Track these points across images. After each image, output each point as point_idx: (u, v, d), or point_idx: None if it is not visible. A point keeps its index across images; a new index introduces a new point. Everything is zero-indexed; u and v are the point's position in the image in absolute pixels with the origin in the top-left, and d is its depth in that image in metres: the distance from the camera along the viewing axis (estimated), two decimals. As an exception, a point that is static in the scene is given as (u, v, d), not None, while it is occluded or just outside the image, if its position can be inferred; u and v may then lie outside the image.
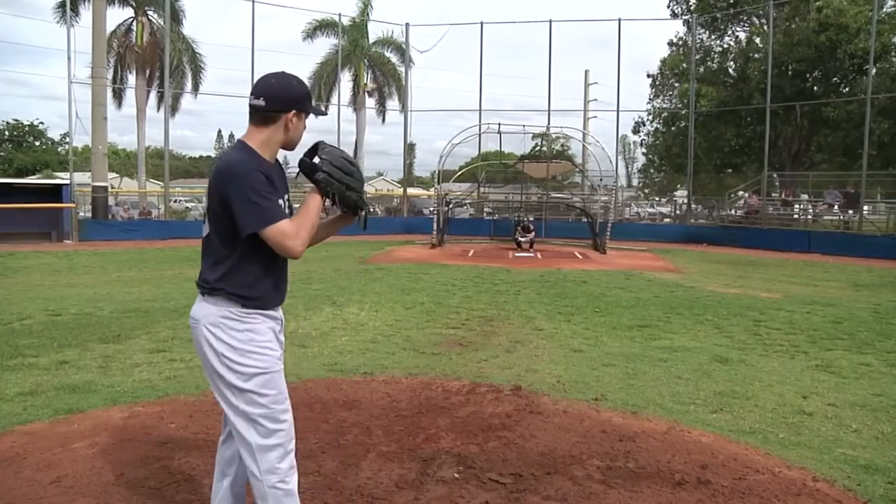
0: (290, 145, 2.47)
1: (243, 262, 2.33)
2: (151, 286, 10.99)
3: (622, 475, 3.46)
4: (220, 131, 75.71)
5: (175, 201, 31.16)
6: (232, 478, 2.57)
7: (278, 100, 2.35)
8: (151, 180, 35.97)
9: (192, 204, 34.26)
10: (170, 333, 6.94)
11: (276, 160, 2.45)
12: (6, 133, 49.10)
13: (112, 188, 27.94)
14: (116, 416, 4.31)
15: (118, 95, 31.64)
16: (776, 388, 5.23)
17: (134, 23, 30.58)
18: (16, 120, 49.17)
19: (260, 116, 2.36)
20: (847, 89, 27.61)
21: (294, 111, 2.38)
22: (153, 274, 12.98)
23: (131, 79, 31.56)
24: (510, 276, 12.85)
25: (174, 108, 31.52)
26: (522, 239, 20.08)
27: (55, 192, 22.39)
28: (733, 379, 5.46)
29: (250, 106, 2.36)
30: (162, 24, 29.08)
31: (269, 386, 2.38)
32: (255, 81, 2.43)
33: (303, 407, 4.48)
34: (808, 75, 28.16)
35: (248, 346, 2.33)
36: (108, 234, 22.43)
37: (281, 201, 2.33)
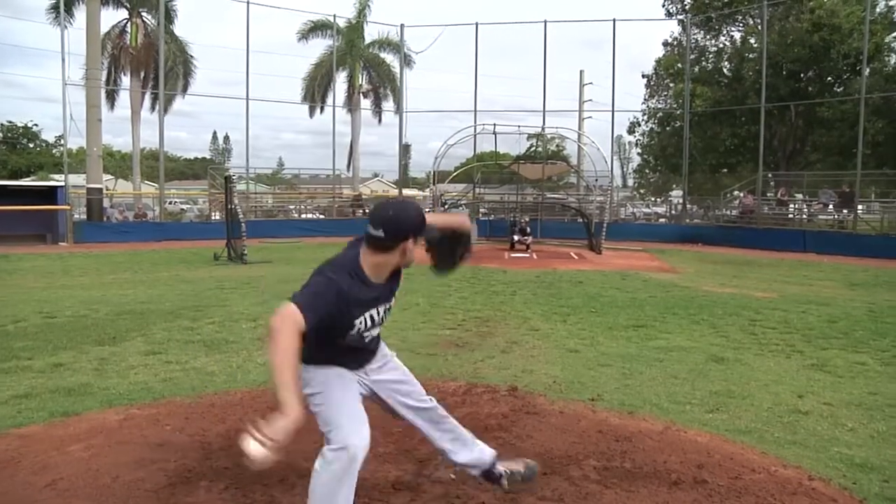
0: (406, 266, 2.71)
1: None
2: (146, 288, 10.96)
3: (619, 475, 3.46)
4: (215, 133, 75.61)
5: (170, 203, 31.10)
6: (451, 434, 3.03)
7: (398, 232, 2.57)
8: (146, 182, 35.90)
9: (188, 206, 34.25)
10: (165, 335, 6.93)
11: (389, 277, 2.71)
12: (0, 135, 48.89)
13: (107, 190, 27.92)
14: (112, 419, 4.30)
15: (112, 97, 31.59)
16: (772, 387, 5.25)
17: (128, 24, 30.53)
18: (10, 122, 48.85)
19: (378, 245, 2.58)
20: (841, 89, 27.78)
21: (412, 238, 2.61)
22: (148, 276, 12.95)
23: (125, 80, 31.56)
24: (506, 277, 12.86)
25: (168, 110, 31.44)
26: (517, 238, 20.09)
27: (50, 194, 22.36)
28: (729, 378, 5.48)
29: (369, 235, 2.57)
30: (156, 25, 29.05)
31: None
32: (372, 210, 2.70)
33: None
34: (802, 75, 28.29)
35: None
36: (103, 236, 22.40)
37: (362, 318, 2.64)
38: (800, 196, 26.07)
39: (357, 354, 2.80)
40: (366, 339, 2.73)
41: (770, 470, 3.58)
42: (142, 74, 30.92)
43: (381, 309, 2.73)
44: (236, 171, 25.02)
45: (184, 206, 33.97)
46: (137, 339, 6.73)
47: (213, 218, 26.37)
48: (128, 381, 5.22)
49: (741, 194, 27.24)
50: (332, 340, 2.64)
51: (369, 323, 2.68)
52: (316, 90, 34.00)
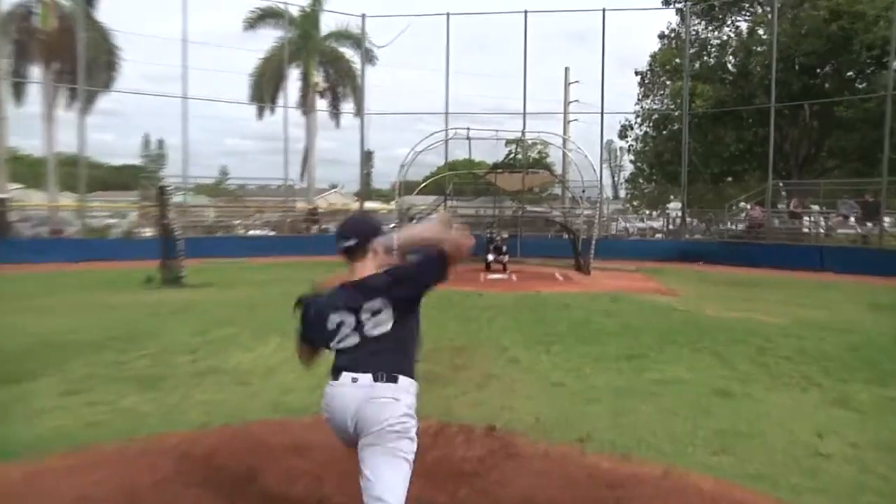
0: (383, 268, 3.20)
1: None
2: (65, 316, 10.76)
3: (611, 526, 3.47)
4: (147, 136, 74.47)
5: (93, 217, 30.65)
6: None
7: (361, 231, 3.24)
8: (65, 192, 35.31)
9: (115, 220, 33.76)
10: (87, 371, 6.82)
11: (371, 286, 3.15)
12: None
13: (14, 201, 27.41)
14: (14, 474, 4.19)
15: (18, 91, 30.43)
16: (787, 425, 5.29)
17: (36, 5, 29.51)
18: None
19: (350, 253, 3.23)
20: (864, 85, 27.66)
21: (372, 239, 3.22)
22: (67, 301, 12.70)
23: (36, 72, 30.34)
24: (482, 301, 12.89)
25: (89, 108, 30.81)
26: (492, 258, 20.14)
27: (-55, 206, 21.85)
28: (737, 415, 5.53)
29: (341, 249, 3.22)
30: (74, 6, 28.37)
31: None
32: (337, 229, 3.34)
33: (246, 453, 4.44)
34: (818, 70, 28.06)
35: None
36: (12, 255, 21.86)
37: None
38: (816, 207, 25.83)
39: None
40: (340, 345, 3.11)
41: None
42: (56, 65, 30.10)
43: (362, 317, 3.09)
44: (172, 181, 24.79)
45: (110, 221, 33.50)
46: (53, 377, 6.61)
47: (144, 235, 26.06)
48: (38, 426, 5.12)
49: (748, 206, 27.27)
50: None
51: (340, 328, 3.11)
52: (265, 88, 33.86)
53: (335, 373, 3.08)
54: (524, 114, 28.55)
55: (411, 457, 2.95)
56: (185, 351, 7.94)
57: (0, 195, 23.40)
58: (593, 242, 21.33)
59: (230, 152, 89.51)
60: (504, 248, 20.78)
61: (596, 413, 5.55)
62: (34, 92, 30.86)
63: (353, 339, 3.08)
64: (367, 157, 38.24)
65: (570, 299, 13.33)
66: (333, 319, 3.14)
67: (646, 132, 34.46)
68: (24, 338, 8.67)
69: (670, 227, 31.80)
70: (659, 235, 32.42)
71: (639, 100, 34.77)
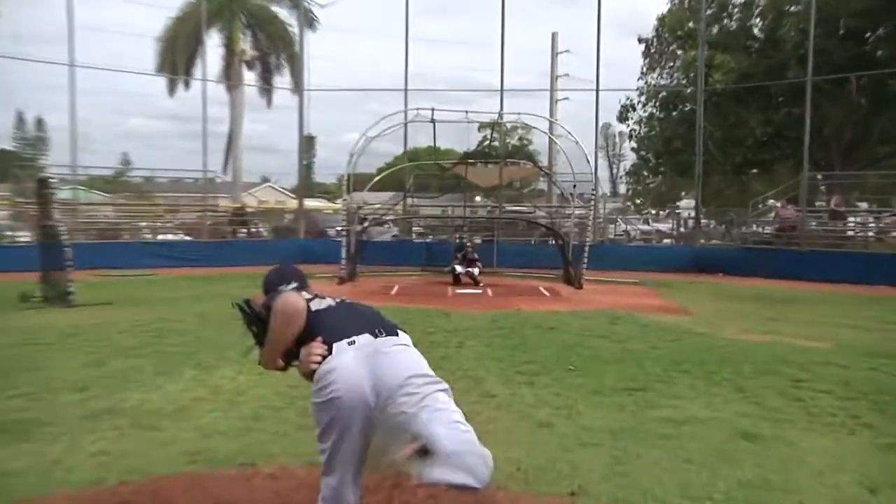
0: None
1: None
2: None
3: None
4: (20, 113, 72.93)
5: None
6: None
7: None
8: None
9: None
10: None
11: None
12: None
13: None
14: None
15: None
16: (829, 476, 5.31)
17: None
18: None
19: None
20: None
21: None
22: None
23: None
24: (450, 322, 12.89)
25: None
26: (461, 269, 20.16)
27: None
28: (766, 463, 5.56)
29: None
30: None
31: None
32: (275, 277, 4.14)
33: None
34: (867, 35, 28.15)
35: None
36: None
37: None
38: (863, 205, 26.14)
39: None
40: None
41: None
42: None
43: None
44: (57, 172, 24.44)
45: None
46: None
47: (19, 240, 25.62)
48: None
49: (778, 204, 27.39)
50: None
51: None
52: (178, 57, 33.65)
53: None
54: (501, 91, 28.61)
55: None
56: (73, 388, 7.80)
57: None
58: (587, 249, 21.54)
59: (134, 136, 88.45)
60: (476, 257, 20.84)
61: (591, 460, 5.55)
62: None
63: (330, 302, 3.67)
64: (307, 144, 38.09)
65: (559, 319, 13.37)
66: (304, 294, 3.71)
67: (651, 114, 34.71)
68: None
69: (681, 229, 32.02)
70: (667, 241, 32.63)
71: (643, 74, 35.14)
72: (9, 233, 27.31)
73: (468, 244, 21.76)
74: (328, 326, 3.50)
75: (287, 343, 3.61)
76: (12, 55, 27.39)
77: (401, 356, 3.42)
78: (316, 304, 3.68)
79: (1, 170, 39.58)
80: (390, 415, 3.24)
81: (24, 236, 24.93)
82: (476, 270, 20.47)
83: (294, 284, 3.82)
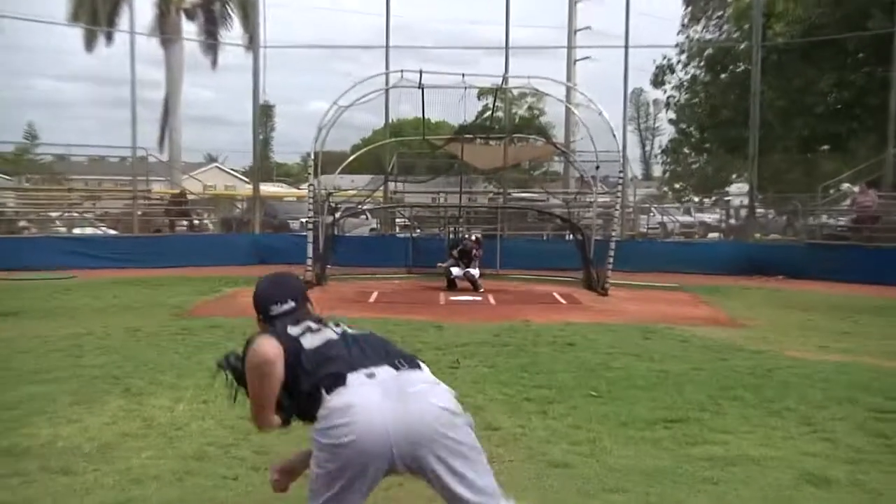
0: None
1: None
2: None
3: None
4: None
5: None
6: None
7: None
8: None
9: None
10: None
11: None
12: None
13: None
14: None
15: None
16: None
17: None
18: None
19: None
20: None
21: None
22: None
23: None
24: (443, 337, 12.90)
25: None
26: (458, 272, 20.13)
27: None
28: (840, 513, 5.54)
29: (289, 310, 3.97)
30: None
31: None
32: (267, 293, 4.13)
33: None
34: None
35: None
36: None
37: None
38: None
39: None
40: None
41: None
42: None
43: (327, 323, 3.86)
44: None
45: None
46: None
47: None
48: None
49: (855, 188, 27.37)
50: None
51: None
52: (98, 3, 33.55)
53: (334, 384, 3.38)
54: (507, 48, 28.63)
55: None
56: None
57: None
58: (612, 246, 21.35)
59: (43, 103, 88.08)
60: (474, 253, 20.78)
61: (619, 510, 5.51)
62: None
63: (330, 334, 3.69)
64: (263, 115, 38.12)
65: (578, 333, 13.41)
66: (295, 329, 3.71)
67: (694, 76, 34.75)
68: None
69: (732, 221, 32.09)
70: (715, 235, 32.67)
71: (683, 26, 35.23)
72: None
73: (468, 239, 21.65)
74: (334, 359, 3.49)
75: (271, 399, 3.61)
76: None
77: (432, 400, 3.40)
78: (309, 341, 3.63)
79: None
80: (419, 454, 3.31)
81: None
82: (476, 272, 20.40)
83: (290, 304, 3.85)
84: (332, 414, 3.25)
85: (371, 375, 3.34)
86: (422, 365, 3.58)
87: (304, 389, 3.45)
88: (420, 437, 3.24)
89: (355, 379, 3.33)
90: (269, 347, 3.48)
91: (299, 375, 3.49)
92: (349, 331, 3.72)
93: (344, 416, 3.22)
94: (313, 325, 3.72)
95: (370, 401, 3.24)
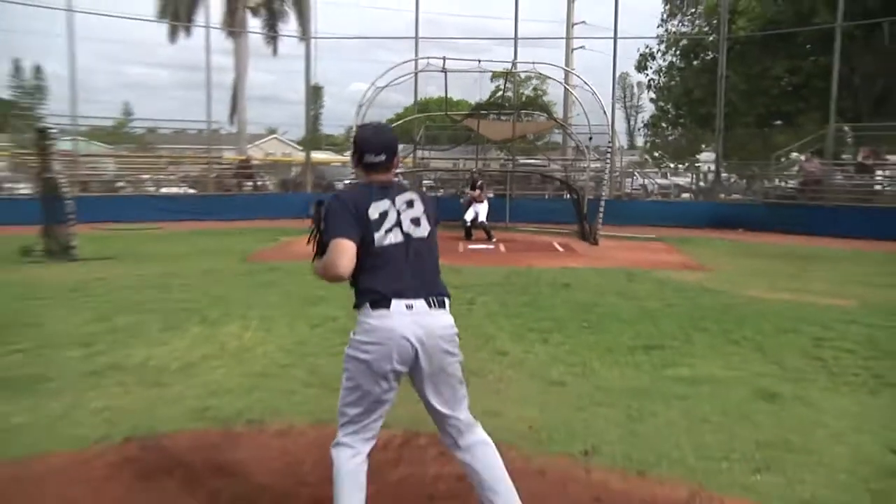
0: None
1: None
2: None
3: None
4: (17, 61, 72.49)
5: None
6: None
7: (395, 150, 3.83)
8: None
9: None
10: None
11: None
12: None
13: None
14: None
15: None
16: (850, 437, 5.32)
17: None
18: None
19: (378, 168, 3.75)
20: None
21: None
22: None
23: None
24: (461, 279, 12.83)
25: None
26: (470, 215, 20.16)
27: None
28: (785, 424, 5.57)
29: (367, 163, 3.74)
30: None
31: None
32: (363, 139, 3.83)
33: (159, 474, 4.41)
34: None
35: None
36: None
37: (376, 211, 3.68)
38: (893, 159, 25.81)
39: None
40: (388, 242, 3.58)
41: None
42: None
43: (398, 207, 3.66)
44: (57, 122, 24.36)
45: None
46: None
47: (19, 192, 25.68)
48: None
49: (802, 157, 27.13)
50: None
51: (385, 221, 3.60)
52: (179, 2, 33.39)
53: (381, 301, 3.48)
54: (515, 39, 28.37)
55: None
56: (76, 344, 7.85)
57: None
58: (602, 204, 21.21)
59: (135, 85, 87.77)
60: (479, 183, 20.91)
61: (605, 419, 5.58)
62: None
63: (397, 236, 3.58)
64: (314, 95, 37.94)
65: (573, 276, 13.39)
66: (376, 208, 3.59)
67: (671, 63, 34.47)
68: None
69: (701, 184, 31.95)
70: (687, 195, 32.51)
71: (663, 21, 34.85)
72: (8, 185, 27.38)
73: (475, 175, 21.74)
74: (390, 272, 3.52)
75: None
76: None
77: (450, 343, 3.66)
78: (380, 235, 3.55)
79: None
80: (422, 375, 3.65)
81: (25, 188, 25.01)
82: (484, 214, 20.47)
83: (382, 157, 3.70)
84: (367, 331, 3.46)
85: (409, 307, 3.45)
86: (447, 304, 3.67)
87: (360, 280, 3.52)
88: (431, 358, 3.53)
89: (397, 307, 3.44)
90: (343, 265, 3.45)
91: (362, 267, 3.51)
92: (413, 234, 3.63)
93: (375, 336, 3.44)
94: (390, 210, 3.61)
95: (401, 328, 3.42)
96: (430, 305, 3.53)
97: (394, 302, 3.45)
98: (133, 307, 9.93)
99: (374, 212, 3.58)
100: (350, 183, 4.06)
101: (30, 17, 33.55)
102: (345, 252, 3.44)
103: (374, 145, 3.73)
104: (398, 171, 4.04)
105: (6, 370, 6.84)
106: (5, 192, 27.06)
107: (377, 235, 3.54)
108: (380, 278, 3.52)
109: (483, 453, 3.79)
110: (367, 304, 3.49)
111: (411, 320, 3.45)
